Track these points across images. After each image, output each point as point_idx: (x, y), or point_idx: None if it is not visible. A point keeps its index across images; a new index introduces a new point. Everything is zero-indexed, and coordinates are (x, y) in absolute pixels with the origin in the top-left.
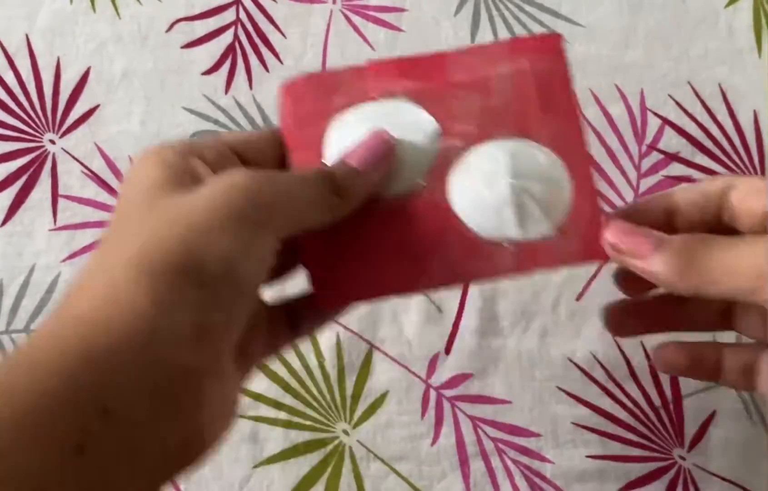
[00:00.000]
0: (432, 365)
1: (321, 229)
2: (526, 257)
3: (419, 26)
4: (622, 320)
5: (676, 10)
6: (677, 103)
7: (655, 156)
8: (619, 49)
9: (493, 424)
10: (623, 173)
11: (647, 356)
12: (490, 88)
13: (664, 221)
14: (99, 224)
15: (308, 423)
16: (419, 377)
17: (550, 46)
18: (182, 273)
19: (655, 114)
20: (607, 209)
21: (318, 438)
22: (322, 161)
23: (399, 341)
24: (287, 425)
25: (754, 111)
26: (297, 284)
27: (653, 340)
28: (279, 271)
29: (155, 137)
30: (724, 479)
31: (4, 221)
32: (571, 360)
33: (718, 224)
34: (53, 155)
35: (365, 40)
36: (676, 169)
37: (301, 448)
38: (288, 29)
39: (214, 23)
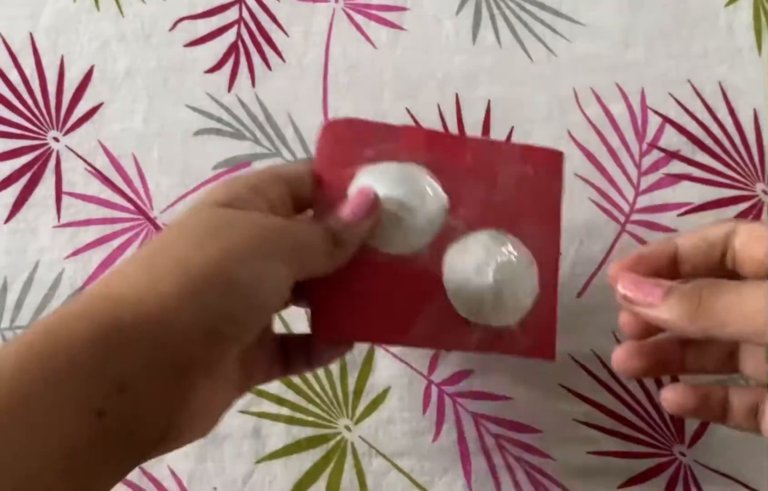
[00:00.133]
0: (433, 361)
1: (325, 275)
2: (490, 339)
3: (421, 25)
4: (629, 362)
5: (676, 8)
6: (678, 102)
7: (655, 154)
8: (620, 47)
9: (495, 420)
10: (624, 171)
11: None
12: (496, 183)
13: (668, 267)
14: (103, 221)
15: (310, 418)
16: (421, 373)
17: (553, 162)
18: (213, 281)
19: (656, 112)
20: (608, 209)
21: (320, 433)
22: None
23: None
24: (290, 421)
25: (754, 109)
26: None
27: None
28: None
29: (158, 135)
30: (724, 475)
31: (9, 218)
32: (572, 357)
33: (721, 269)
34: (57, 152)
35: (367, 38)
36: (677, 167)
37: (303, 444)
38: (291, 28)
39: (217, 22)
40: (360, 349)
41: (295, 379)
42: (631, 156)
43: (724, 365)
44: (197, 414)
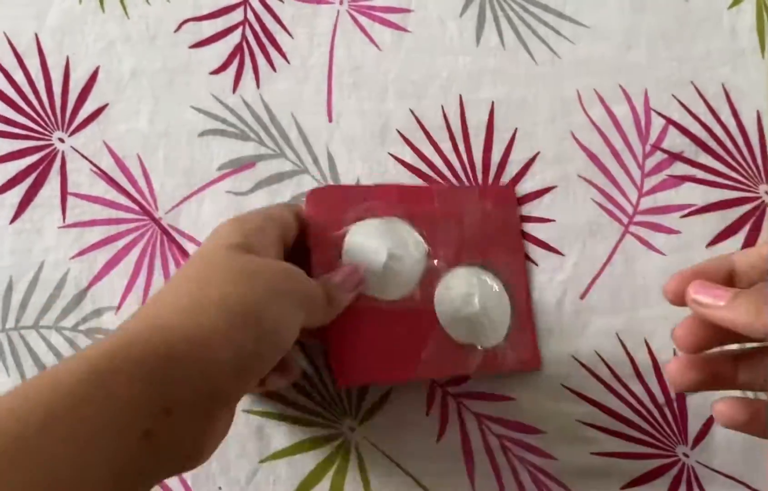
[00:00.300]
0: None
1: (317, 327)
2: (487, 360)
3: (425, 26)
4: (684, 375)
5: (679, 10)
6: (681, 104)
7: (659, 156)
8: (623, 49)
9: (498, 421)
10: (627, 172)
11: (651, 354)
12: (463, 222)
13: (725, 283)
14: (108, 222)
15: (314, 419)
16: None
17: (507, 196)
18: (249, 321)
19: (659, 114)
20: (611, 210)
21: (324, 434)
22: (340, 260)
23: None
24: (294, 421)
25: (757, 111)
26: None
27: (656, 340)
28: None
29: (163, 136)
30: (727, 476)
31: (14, 218)
32: (575, 358)
33: None
34: (62, 153)
35: (371, 40)
36: (680, 168)
37: (307, 444)
38: (295, 29)
39: (222, 23)
40: None
41: (299, 380)
42: (635, 157)
43: None
44: (216, 438)
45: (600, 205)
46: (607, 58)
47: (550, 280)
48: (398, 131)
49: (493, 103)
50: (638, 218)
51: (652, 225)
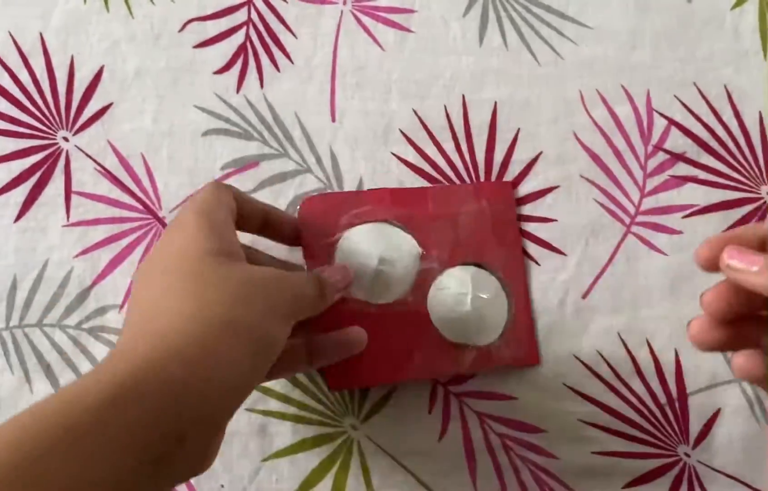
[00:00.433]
0: None
1: (308, 318)
2: (480, 358)
3: (428, 27)
4: (707, 334)
5: (682, 11)
6: (683, 104)
7: (661, 156)
8: (626, 50)
9: (500, 420)
10: (629, 172)
11: (652, 354)
12: (457, 222)
13: (757, 249)
14: (111, 221)
15: (317, 417)
16: None
17: (504, 193)
18: (249, 341)
19: (662, 115)
20: (614, 210)
21: (326, 432)
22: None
23: None
24: (296, 419)
25: (760, 112)
26: None
27: (658, 340)
28: None
29: (167, 135)
30: (728, 476)
31: (18, 217)
32: (577, 357)
33: None
34: (67, 152)
35: (375, 40)
36: (682, 169)
37: (309, 442)
38: (299, 29)
39: (226, 23)
40: None
41: (302, 378)
42: (637, 158)
43: None
44: (218, 447)
45: (602, 205)
46: (610, 59)
47: (552, 280)
48: (401, 131)
49: (495, 103)
50: (640, 218)
51: (654, 225)
